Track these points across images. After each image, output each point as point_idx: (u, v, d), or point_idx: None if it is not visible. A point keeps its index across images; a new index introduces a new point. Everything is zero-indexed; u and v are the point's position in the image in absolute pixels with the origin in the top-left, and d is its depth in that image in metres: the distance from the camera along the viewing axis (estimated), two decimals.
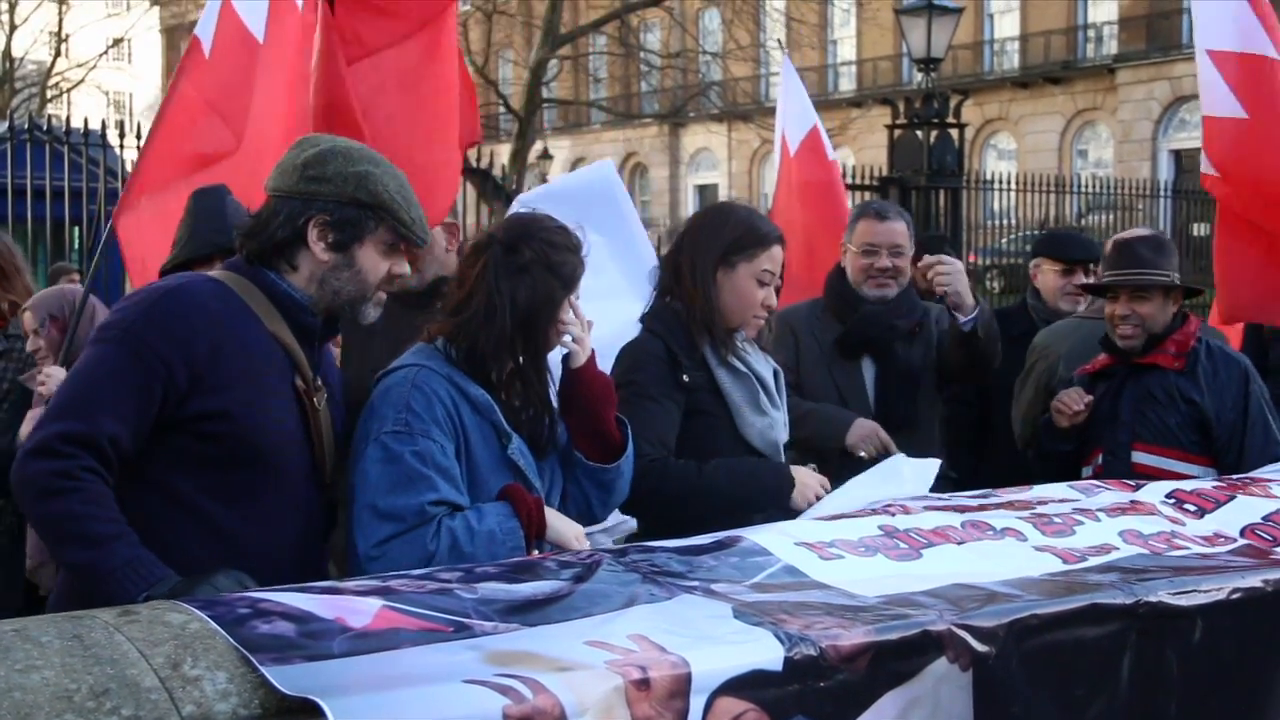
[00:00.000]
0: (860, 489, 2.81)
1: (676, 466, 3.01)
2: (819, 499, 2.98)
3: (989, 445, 4.70)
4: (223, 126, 4.13)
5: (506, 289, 2.57)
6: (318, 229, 2.44)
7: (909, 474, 2.88)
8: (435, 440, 2.44)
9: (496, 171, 10.69)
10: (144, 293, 2.43)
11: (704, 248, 3.15)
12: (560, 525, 2.50)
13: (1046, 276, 4.88)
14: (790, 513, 2.95)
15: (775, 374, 3.28)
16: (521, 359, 2.59)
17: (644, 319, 3.24)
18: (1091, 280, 4.54)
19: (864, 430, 3.73)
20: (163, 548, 2.26)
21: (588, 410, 2.66)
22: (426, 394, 2.48)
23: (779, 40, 14.65)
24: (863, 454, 3.65)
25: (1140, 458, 3.72)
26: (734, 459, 3.09)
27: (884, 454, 3.60)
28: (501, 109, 27.89)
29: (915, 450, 3.50)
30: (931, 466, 2.95)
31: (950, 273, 3.84)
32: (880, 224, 4.02)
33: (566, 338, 2.62)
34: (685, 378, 3.09)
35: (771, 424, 3.17)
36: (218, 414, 2.32)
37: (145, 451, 2.32)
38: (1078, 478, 3.76)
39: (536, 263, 2.59)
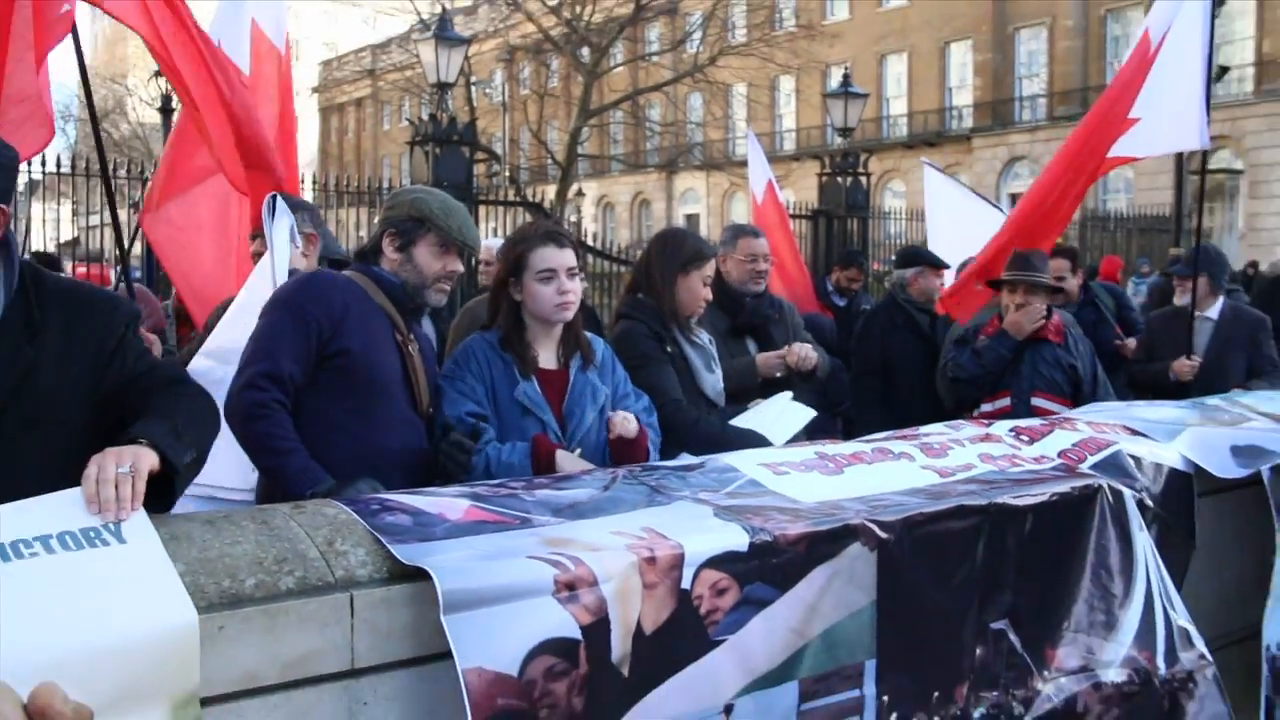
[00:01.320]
0: (757, 417, 2.95)
1: (707, 420, 2.98)
2: None
3: (892, 405, 4.69)
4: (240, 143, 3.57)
5: (499, 275, 2.65)
6: (388, 238, 2.50)
7: (788, 409, 3.03)
8: (466, 381, 2.53)
9: (546, 204, 10.61)
10: (298, 277, 2.52)
11: (668, 260, 3.15)
12: (566, 464, 2.43)
13: (928, 279, 4.94)
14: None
15: (710, 343, 3.27)
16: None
17: (622, 308, 3.22)
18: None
19: (767, 360, 3.60)
20: (320, 450, 2.27)
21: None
22: (467, 351, 2.58)
23: (745, 120, 14.51)
24: (778, 374, 3.55)
25: (1037, 401, 3.95)
26: (737, 428, 3.03)
27: (788, 369, 3.52)
28: (549, 161, 27.67)
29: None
30: (805, 413, 3.04)
31: (806, 355, 3.56)
32: (756, 240, 3.88)
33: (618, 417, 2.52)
34: (668, 349, 3.10)
35: (717, 380, 3.18)
36: (346, 352, 2.34)
37: (311, 389, 2.32)
38: (975, 409, 3.97)
39: (501, 257, 2.67)
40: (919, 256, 5.13)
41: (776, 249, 6.46)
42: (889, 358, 4.79)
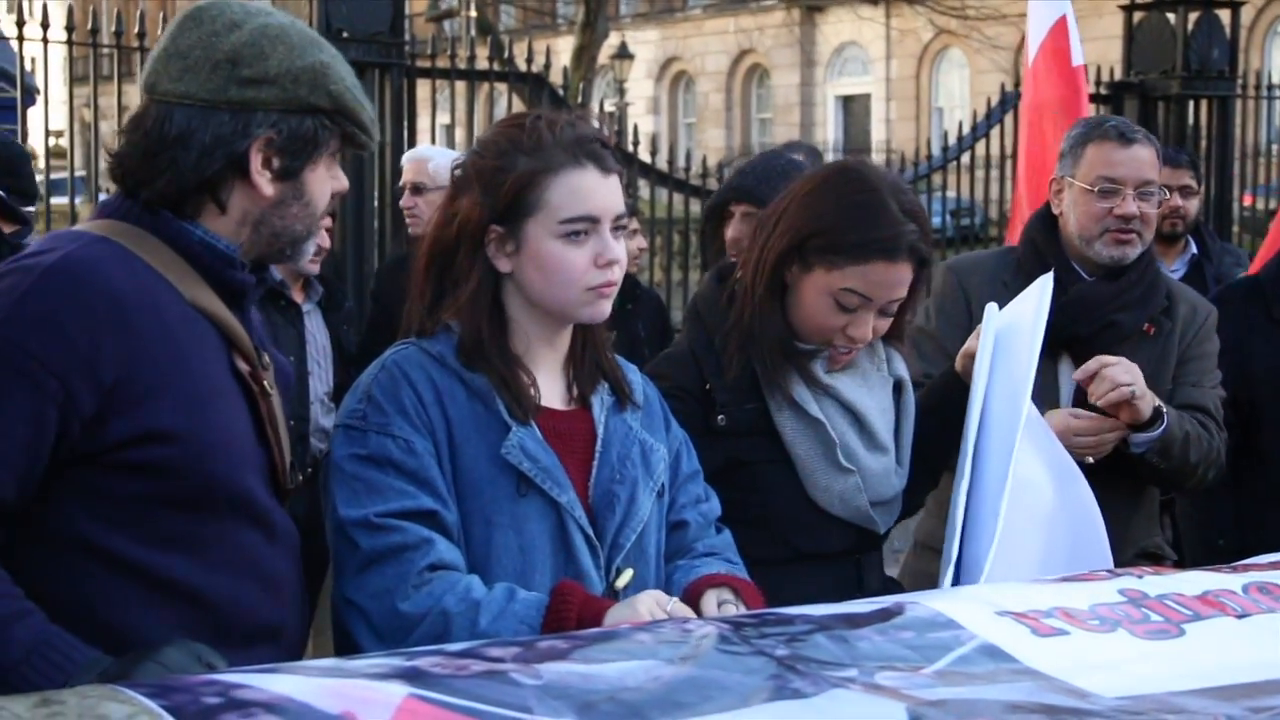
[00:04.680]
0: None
1: None
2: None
3: (1254, 484, 4.66)
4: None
5: (454, 215, 2.72)
6: (262, 154, 2.44)
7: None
8: (395, 435, 2.60)
9: (555, 77, 10.67)
10: (11, 275, 2.36)
11: (788, 225, 3.14)
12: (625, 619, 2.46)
13: None
14: None
15: (900, 386, 3.28)
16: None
17: (690, 307, 3.33)
18: None
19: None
20: (117, 633, 2.29)
21: None
22: (395, 377, 2.65)
23: None
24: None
25: None
26: None
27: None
28: None
29: (1118, 514, 3.44)
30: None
31: (1125, 380, 3.61)
32: (1124, 150, 3.98)
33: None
34: (720, 419, 3.14)
35: (858, 483, 3.15)
36: (149, 436, 2.31)
37: (61, 503, 2.33)
38: None
39: (467, 167, 2.73)
40: None
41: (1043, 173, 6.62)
42: (1253, 386, 4.74)
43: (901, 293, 3.10)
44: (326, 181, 2.53)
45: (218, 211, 2.46)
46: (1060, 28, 7.13)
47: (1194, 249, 6.63)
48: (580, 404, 2.78)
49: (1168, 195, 6.12)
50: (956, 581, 2.86)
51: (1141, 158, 3.99)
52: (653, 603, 2.48)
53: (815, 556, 3.15)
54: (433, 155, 6.52)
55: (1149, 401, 3.63)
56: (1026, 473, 2.98)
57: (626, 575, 2.66)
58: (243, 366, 2.48)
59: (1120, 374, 3.58)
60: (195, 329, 2.42)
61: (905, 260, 3.06)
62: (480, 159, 2.73)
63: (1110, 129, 4.11)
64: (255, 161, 2.44)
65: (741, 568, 2.86)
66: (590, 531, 2.67)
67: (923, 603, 2.31)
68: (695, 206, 11.34)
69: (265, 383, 2.52)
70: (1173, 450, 3.73)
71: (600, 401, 2.79)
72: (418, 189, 6.34)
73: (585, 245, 2.64)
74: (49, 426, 2.27)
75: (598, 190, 2.65)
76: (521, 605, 2.52)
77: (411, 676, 1.91)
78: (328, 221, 2.58)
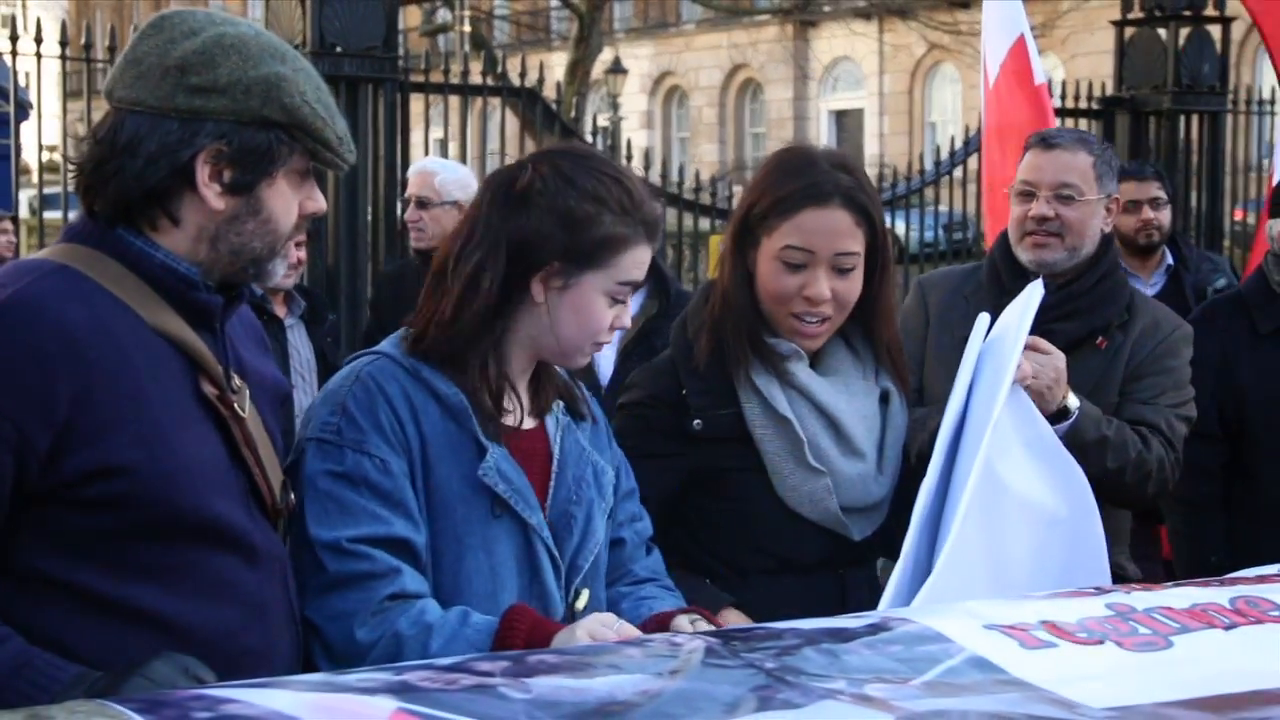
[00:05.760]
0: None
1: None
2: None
3: (1244, 500, 4.68)
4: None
5: (497, 226, 2.68)
6: (211, 165, 2.38)
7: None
8: (371, 454, 2.58)
9: (548, 92, 10.68)
10: None
11: (736, 209, 3.27)
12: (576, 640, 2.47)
13: None
14: None
15: (887, 397, 3.29)
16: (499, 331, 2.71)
17: (678, 320, 3.39)
18: None
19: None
20: (91, 668, 2.25)
21: None
22: (371, 391, 2.62)
23: None
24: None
25: None
26: None
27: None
28: (555, 3, 27.90)
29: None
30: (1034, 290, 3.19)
31: (1027, 371, 3.41)
32: (1044, 154, 4.00)
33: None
34: (696, 423, 3.17)
35: (828, 485, 3.17)
36: (104, 471, 2.27)
37: (25, 541, 2.29)
38: None
39: (543, 193, 2.67)
40: None
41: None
42: (1240, 402, 4.77)
43: (846, 244, 3.11)
44: (290, 200, 2.46)
45: (170, 224, 2.41)
46: (1020, 47, 7.15)
47: (1170, 259, 6.65)
48: (538, 422, 2.81)
49: (1134, 206, 6.19)
50: (915, 586, 2.83)
51: (1061, 161, 3.97)
52: (596, 625, 2.47)
53: (793, 566, 3.17)
54: (439, 169, 6.44)
55: (1056, 397, 3.52)
56: (1021, 484, 2.99)
57: (585, 596, 2.69)
58: (209, 391, 2.43)
59: (1027, 364, 3.53)
60: (156, 356, 2.37)
61: (838, 206, 3.10)
62: (564, 191, 2.69)
63: (1037, 135, 4.17)
64: (202, 173, 2.38)
65: (678, 595, 2.89)
66: (556, 553, 2.69)
67: (911, 618, 2.31)
68: (689, 221, 11.37)
69: (236, 405, 2.46)
70: (1087, 453, 3.58)
71: (555, 420, 2.83)
72: (423, 203, 6.26)
73: (615, 308, 2.72)
74: (5, 470, 2.24)
75: (645, 264, 2.75)
76: (473, 630, 2.52)
77: (401, 691, 1.90)
78: (300, 236, 2.53)
